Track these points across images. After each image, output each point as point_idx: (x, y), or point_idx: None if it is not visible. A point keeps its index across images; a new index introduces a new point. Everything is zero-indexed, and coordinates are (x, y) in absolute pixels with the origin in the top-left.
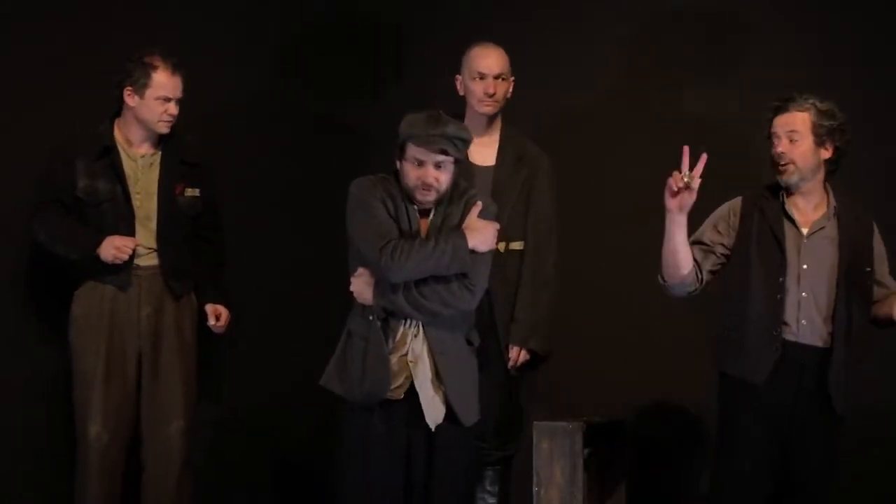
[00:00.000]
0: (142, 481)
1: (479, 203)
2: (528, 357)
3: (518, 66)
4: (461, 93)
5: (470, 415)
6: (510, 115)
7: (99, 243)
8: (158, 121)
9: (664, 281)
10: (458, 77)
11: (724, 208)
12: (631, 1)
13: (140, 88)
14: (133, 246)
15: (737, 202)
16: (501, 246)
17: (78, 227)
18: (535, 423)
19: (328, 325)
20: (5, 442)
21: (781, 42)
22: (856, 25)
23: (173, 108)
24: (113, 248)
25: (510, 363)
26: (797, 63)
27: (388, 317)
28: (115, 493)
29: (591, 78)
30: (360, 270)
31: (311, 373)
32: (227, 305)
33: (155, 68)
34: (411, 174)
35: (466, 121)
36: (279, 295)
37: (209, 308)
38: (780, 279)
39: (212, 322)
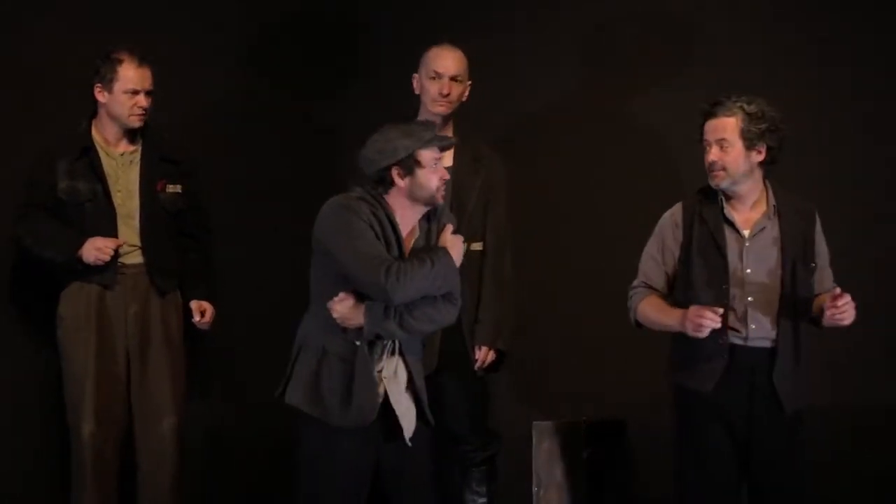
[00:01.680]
0: (137, 479)
1: (450, 225)
2: (495, 357)
3: (482, 67)
4: (417, 91)
5: (432, 412)
6: (476, 117)
7: (81, 245)
8: (130, 115)
9: (640, 328)
10: (416, 76)
11: (666, 221)
12: (600, 3)
13: (108, 84)
14: (115, 246)
15: (677, 211)
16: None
17: (61, 229)
18: (534, 423)
19: None
20: (2, 444)
21: (782, 42)
22: (855, 25)
23: (143, 101)
24: (94, 250)
25: (478, 364)
26: (798, 63)
27: (375, 339)
28: (111, 492)
29: (563, 78)
30: (343, 294)
31: None
32: (212, 302)
33: (120, 62)
34: (434, 178)
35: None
36: (265, 293)
37: (194, 304)
38: (724, 287)
39: (196, 318)
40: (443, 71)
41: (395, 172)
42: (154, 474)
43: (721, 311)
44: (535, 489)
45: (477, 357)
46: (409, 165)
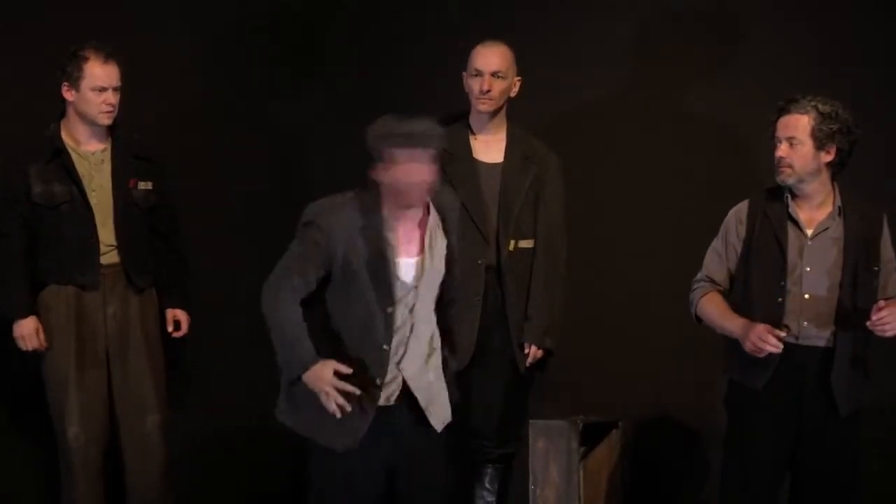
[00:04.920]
0: (125, 478)
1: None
2: (541, 355)
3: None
4: (467, 90)
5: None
6: (518, 114)
7: (24, 315)
8: (98, 112)
9: (699, 323)
10: (464, 74)
11: (730, 218)
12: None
13: (75, 82)
14: (40, 347)
15: (742, 208)
16: (511, 244)
17: (20, 285)
18: (531, 422)
19: None
20: None
21: (790, 42)
22: (857, 26)
23: (111, 98)
24: (26, 332)
25: (528, 360)
26: (805, 63)
27: None
28: (99, 492)
29: (600, 76)
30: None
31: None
32: (188, 309)
33: (86, 59)
34: (403, 179)
35: (470, 118)
36: (238, 294)
37: (168, 314)
38: (781, 283)
39: (170, 329)
40: (482, 67)
41: (373, 171)
42: (141, 473)
43: (784, 334)
44: (531, 488)
45: (526, 353)
46: (384, 163)
